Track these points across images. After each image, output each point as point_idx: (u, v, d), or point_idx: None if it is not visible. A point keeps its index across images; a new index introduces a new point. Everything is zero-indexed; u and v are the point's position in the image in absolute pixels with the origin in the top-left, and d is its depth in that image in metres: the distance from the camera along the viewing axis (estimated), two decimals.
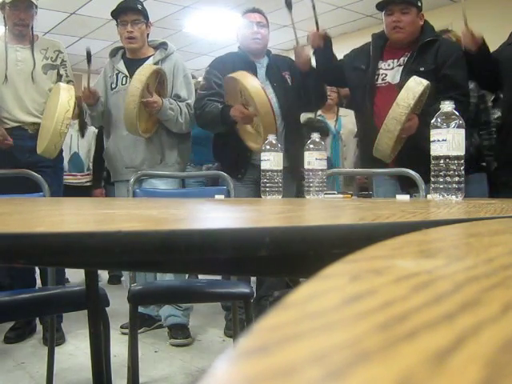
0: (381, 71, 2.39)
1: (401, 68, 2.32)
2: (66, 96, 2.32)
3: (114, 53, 2.68)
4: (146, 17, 2.57)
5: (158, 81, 2.47)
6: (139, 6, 2.55)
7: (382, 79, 2.37)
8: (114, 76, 2.60)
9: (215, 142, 2.67)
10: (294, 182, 2.58)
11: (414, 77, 1.99)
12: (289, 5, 2.49)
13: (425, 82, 1.94)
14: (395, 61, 2.37)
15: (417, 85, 1.93)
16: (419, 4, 2.35)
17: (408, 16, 2.31)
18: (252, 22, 2.57)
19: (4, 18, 2.53)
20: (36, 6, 2.53)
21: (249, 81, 2.21)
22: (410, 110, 1.89)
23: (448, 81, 2.22)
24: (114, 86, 2.59)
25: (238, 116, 2.33)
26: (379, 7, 2.40)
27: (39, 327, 2.57)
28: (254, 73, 2.51)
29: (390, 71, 2.37)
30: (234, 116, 2.33)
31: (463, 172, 1.25)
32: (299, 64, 2.50)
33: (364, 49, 2.50)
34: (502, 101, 2.42)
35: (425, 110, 2.12)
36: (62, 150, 2.65)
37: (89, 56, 2.50)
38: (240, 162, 2.48)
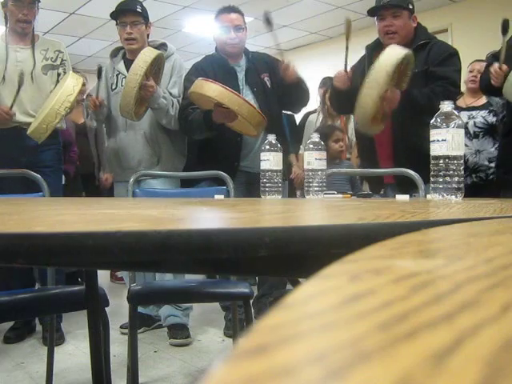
0: None
1: None
2: (72, 82, 2.33)
3: (114, 53, 2.68)
4: (146, 18, 2.56)
5: (155, 69, 2.47)
6: (138, 8, 2.54)
7: None
8: (115, 77, 2.60)
9: (203, 149, 2.65)
10: (284, 180, 2.58)
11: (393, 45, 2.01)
12: (268, 22, 2.39)
13: (404, 50, 1.94)
14: None
15: (392, 50, 1.94)
16: (411, 7, 2.35)
17: (400, 20, 2.32)
18: (229, 27, 2.50)
19: (5, 16, 2.53)
20: (38, 3, 2.53)
21: (207, 88, 2.14)
22: (398, 61, 1.88)
23: (435, 75, 2.24)
24: (114, 86, 2.59)
25: (220, 119, 2.27)
26: (370, 13, 2.41)
27: (39, 327, 2.57)
28: (234, 78, 2.49)
29: None
30: (217, 120, 2.28)
31: (463, 172, 1.25)
32: (286, 78, 2.42)
33: (360, 65, 2.51)
34: (508, 106, 2.42)
35: (414, 94, 2.12)
36: (60, 149, 2.65)
37: (99, 72, 2.53)
38: (228, 169, 2.44)
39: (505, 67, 2.20)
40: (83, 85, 2.43)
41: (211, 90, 2.12)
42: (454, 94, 2.26)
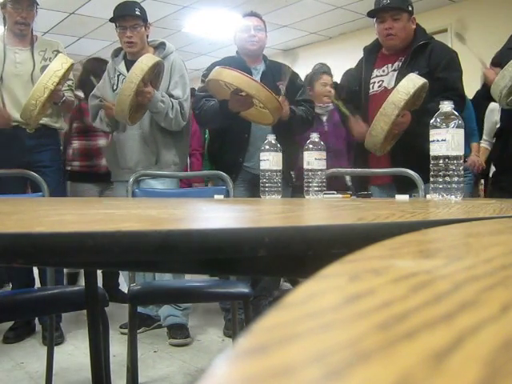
0: (376, 79, 2.40)
1: (395, 73, 2.33)
2: (60, 59, 2.36)
3: (115, 53, 2.67)
4: (145, 19, 2.56)
5: (155, 73, 2.47)
6: (137, 11, 2.53)
7: (379, 86, 2.38)
8: (116, 77, 2.59)
9: (211, 147, 2.68)
10: (289, 186, 2.59)
11: (414, 73, 2.03)
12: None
13: (424, 79, 1.98)
14: (389, 66, 2.39)
15: (417, 78, 1.98)
16: (410, 8, 2.35)
17: (400, 22, 2.32)
18: (249, 26, 2.59)
19: (4, 17, 2.53)
20: (37, 6, 2.53)
21: (225, 75, 2.20)
22: (409, 97, 1.91)
23: (442, 83, 2.23)
24: (115, 87, 2.58)
25: (236, 107, 2.33)
26: (370, 15, 2.41)
27: (38, 327, 2.57)
28: None
29: (385, 77, 2.39)
30: (233, 108, 2.34)
31: (463, 172, 1.26)
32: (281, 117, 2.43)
33: (358, 68, 2.52)
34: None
35: (420, 108, 2.13)
36: (60, 150, 2.65)
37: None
38: (233, 166, 2.50)
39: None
40: (72, 65, 2.42)
41: (229, 75, 2.19)
42: (461, 105, 2.27)
